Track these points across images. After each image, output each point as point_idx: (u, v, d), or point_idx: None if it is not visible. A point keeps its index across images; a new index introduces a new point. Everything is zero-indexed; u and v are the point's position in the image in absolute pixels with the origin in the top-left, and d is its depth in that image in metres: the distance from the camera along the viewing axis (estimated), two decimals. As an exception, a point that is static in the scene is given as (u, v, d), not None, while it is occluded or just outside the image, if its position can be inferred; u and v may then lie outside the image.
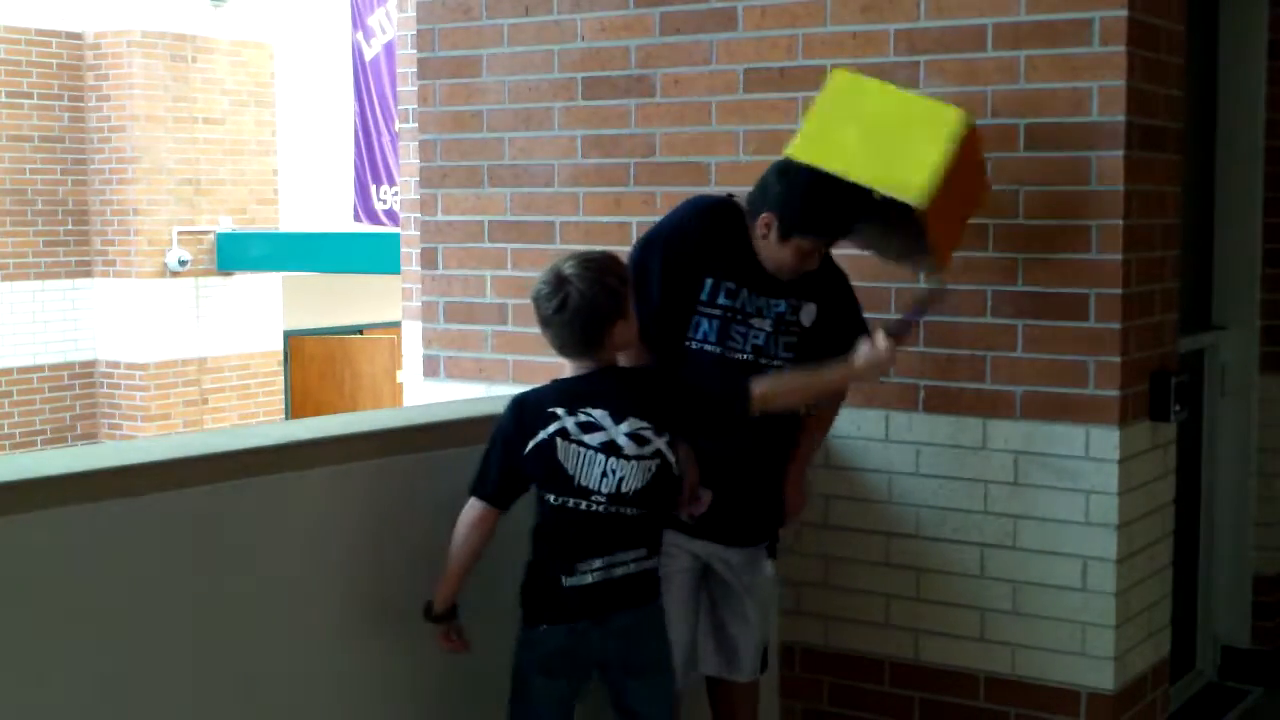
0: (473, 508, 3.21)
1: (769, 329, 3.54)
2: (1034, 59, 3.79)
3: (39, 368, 12.68)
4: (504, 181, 4.64)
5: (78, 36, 12.68)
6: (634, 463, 3.15)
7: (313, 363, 14.01)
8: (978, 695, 4.01)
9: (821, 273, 3.61)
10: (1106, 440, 3.77)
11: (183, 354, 12.93)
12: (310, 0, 13.60)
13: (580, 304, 3.13)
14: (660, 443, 3.19)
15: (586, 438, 3.14)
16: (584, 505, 3.15)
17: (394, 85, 10.94)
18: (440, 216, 4.79)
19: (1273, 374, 5.04)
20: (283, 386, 13.74)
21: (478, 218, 4.71)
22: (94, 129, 12.77)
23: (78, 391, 12.90)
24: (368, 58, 12.30)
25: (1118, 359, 3.76)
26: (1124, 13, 3.67)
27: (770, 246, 3.49)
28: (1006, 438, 3.90)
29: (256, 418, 13.29)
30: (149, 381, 12.75)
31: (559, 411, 3.16)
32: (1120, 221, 3.73)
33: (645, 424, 3.17)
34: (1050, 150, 3.79)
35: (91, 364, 12.98)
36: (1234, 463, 5.02)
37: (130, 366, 12.84)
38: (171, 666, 2.92)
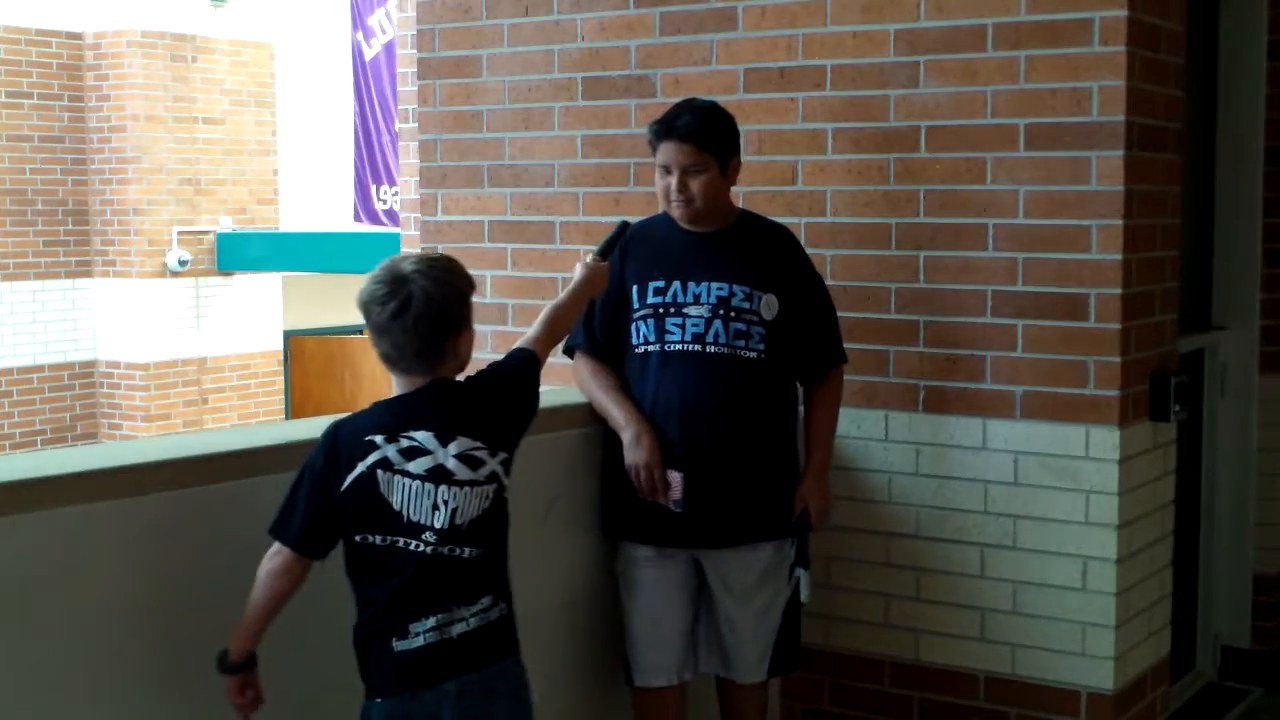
0: (277, 554, 2.78)
1: (707, 314, 3.53)
2: (1034, 59, 3.79)
3: (39, 368, 12.68)
4: (504, 181, 4.64)
5: (78, 36, 12.68)
6: (467, 489, 2.76)
7: (313, 363, 14.00)
8: (978, 695, 4.01)
9: (781, 262, 3.62)
10: (1106, 440, 3.77)
11: (183, 354, 12.93)
12: (310, 0, 13.60)
13: (425, 308, 2.75)
14: (494, 464, 2.81)
15: (410, 465, 2.73)
16: (413, 545, 2.73)
17: (394, 85, 10.93)
18: (440, 216, 4.79)
19: (1273, 374, 5.04)
20: (283, 386, 13.73)
21: (478, 218, 4.71)
22: (94, 129, 12.77)
23: (78, 391, 12.90)
24: (368, 58, 12.29)
25: (1118, 359, 3.76)
26: (1124, 13, 3.67)
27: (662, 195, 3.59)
28: (1006, 438, 3.90)
29: (256, 418, 13.30)
30: (149, 381, 12.75)
31: (378, 439, 2.74)
32: (1120, 221, 3.73)
33: (477, 443, 2.78)
34: (1050, 150, 3.79)
35: (91, 364, 12.98)
36: (1234, 463, 5.02)
37: (130, 366, 12.84)
38: (171, 666, 2.92)
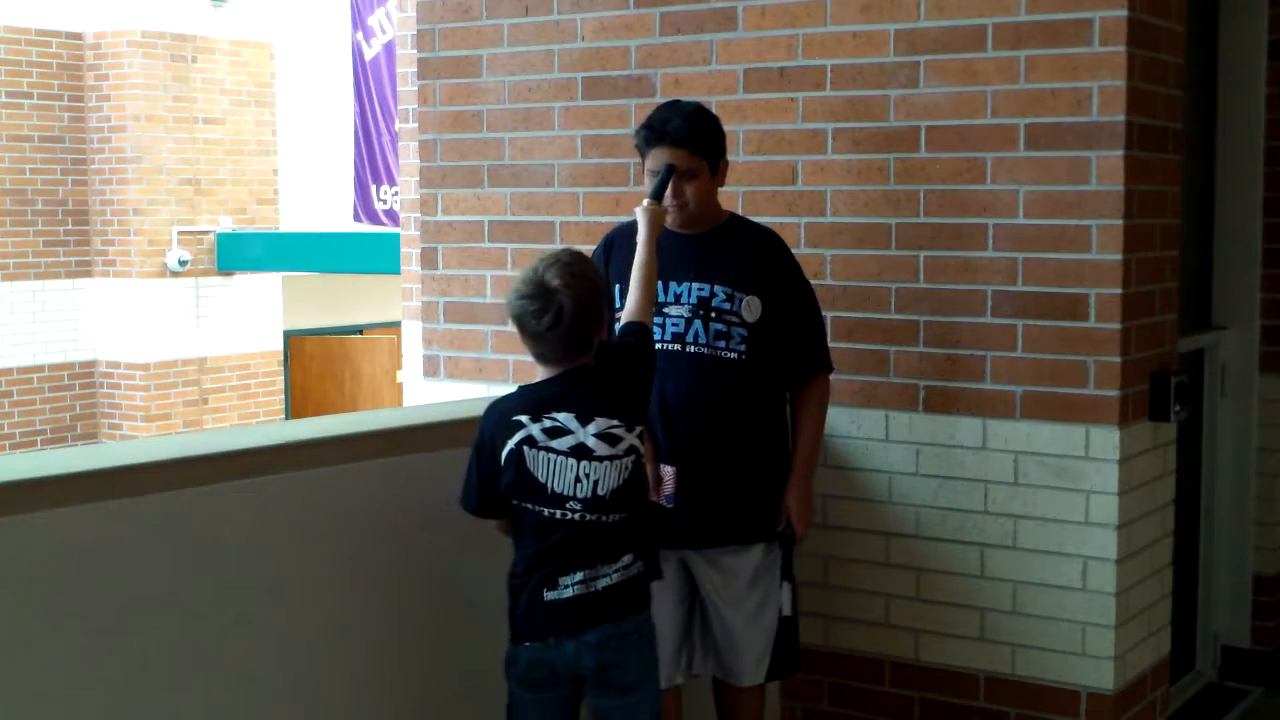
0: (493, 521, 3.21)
1: (687, 315, 3.54)
2: (1034, 59, 3.79)
3: (39, 368, 12.68)
4: (504, 181, 4.64)
5: (78, 36, 12.68)
6: (608, 463, 3.07)
7: (313, 363, 14.01)
8: (978, 695, 4.01)
9: (766, 266, 3.61)
10: (1106, 440, 3.77)
11: (183, 354, 12.93)
12: (310, 0, 13.60)
13: (575, 314, 3.05)
14: (632, 438, 3.11)
15: (554, 443, 3.06)
16: (560, 514, 3.06)
17: (394, 85, 10.94)
18: (440, 216, 4.79)
19: (1273, 374, 5.04)
20: (283, 386, 13.74)
21: (478, 218, 4.71)
22: (94, 129, 12.77)
23: (78, 391, 12.90)
24: (368, 58, 12.30)
25: (1118, 359, 3.76)
26: (1124, 13, 3.67)
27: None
28: (1006, 438, 3.90)
29: (256, 418, 13.29)
30: (149, 381, 12.75)
31: (523, 419, 3.07)
32: (1120, 221, 3.73)
33: (615, 421, 3.09)
34: (1050, 150, 3.79)
35: (91, 364, 12.98)
36: (1234, 463, 5.02)
37: (130, 366, 12.84)
38: (171, 666, 2.92)
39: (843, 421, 4.08)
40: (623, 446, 3.09)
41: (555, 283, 3.05)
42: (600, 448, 3.06)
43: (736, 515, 3.57)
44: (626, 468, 3.10)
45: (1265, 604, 5.07)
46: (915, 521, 4.04)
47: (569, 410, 3.07)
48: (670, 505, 3.49)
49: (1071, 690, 3.87)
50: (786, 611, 3.63)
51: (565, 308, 3.04)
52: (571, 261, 3.13)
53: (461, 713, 3.46)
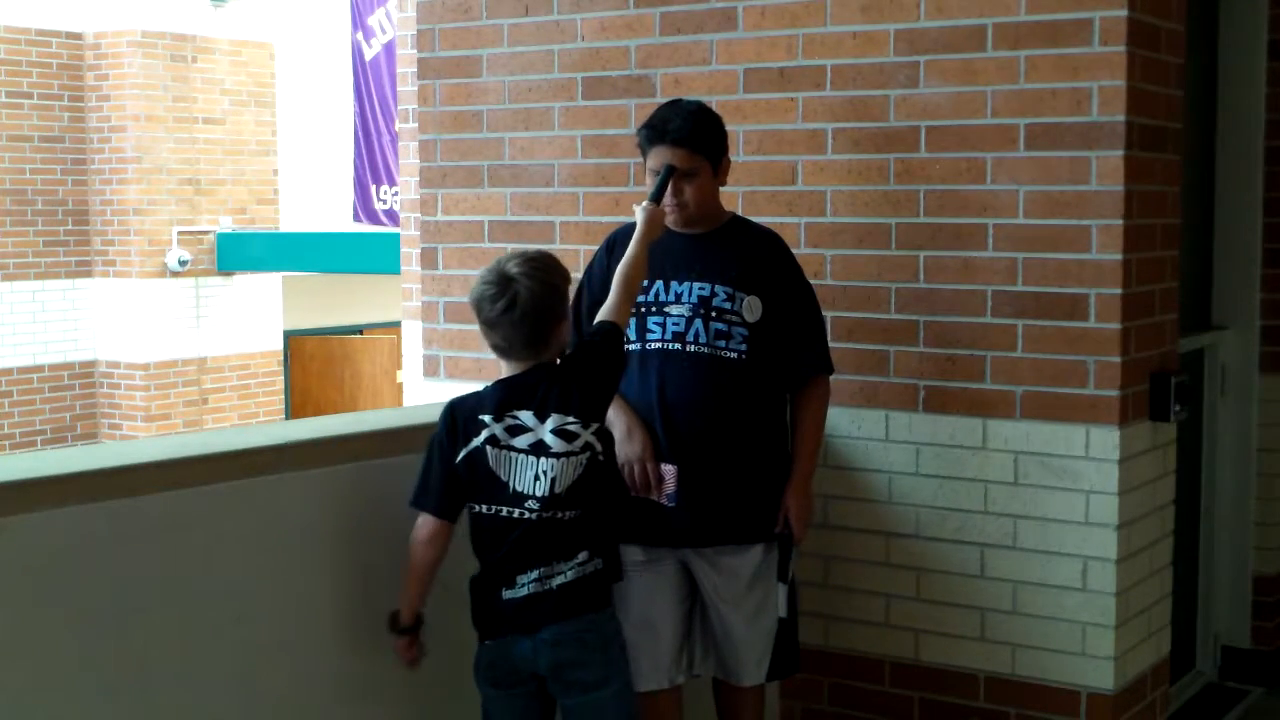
0: (424, 524, 3.13)
1: (688, 314, 3.54)
2: (1034, 59, 3.79)
3: (39, 368, 12.68)
4: (504, 181, 4.64)
5: (78, 36, 12.68)
6: (563, 460, 3.08)
7: (313, 363, 14.01)
8: (978, 695, 4.01)
9: (767, 266, 3.61)
10: (1106, 440, 3.77)
11: (183, 354, 12.93)
12: (310, 0, 13.60)
13: (530, 303, 3.07)
14: (588, 435, 3.12)
15: (515, 441, 3.08)
16: (517, 513, 3.07)
17: (394, 85, 10.94)
18: (440, 216, 4.79)
19: (1273, 374, 5.04)
20: (283, 386, 13.74)
21: (478, 218, 4.71)
22: (94, 129, 12.77)
23: (78, 391, 12.90)
24: (368, 58, 12.30)
25: (1118, 359, 3.76)
26: (1124, 13, 3.67)
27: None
28: (1006, 438, 3.90)
29: (256, 418, 13.30)
30: (149, 381, 12.75)
31: (486, 419, 3.09)
32: (1120, 221, 3.73)
33: (570, 418, 3.10)
34: (1050, 150, 3.79)
35: (91, 364, 12.98)
36: (1234, 463, 5.02)
37: (130, 366, 12.84)
38: (171, 666, 2.92)
39: (843, 421, 4.08)
40: (579, 443, 3.10)
41: (514, 272, 3.09)
42: (557, 444, 3.08)
43: (736, 515, 3.57)
44: (581, 464, 3.10)
45: (1265, 604, 5.07)
46: (915, 521, 4.04)
47: (528, 407, 3.09)
48: (672, 504, 3.49)
49: (1071, 690, 3.87)
50: (782, 612, 3.63)
51: (520, 296, 3.06)
52: (535, 257, 3.17)
53: (459, 713, 3.46)
